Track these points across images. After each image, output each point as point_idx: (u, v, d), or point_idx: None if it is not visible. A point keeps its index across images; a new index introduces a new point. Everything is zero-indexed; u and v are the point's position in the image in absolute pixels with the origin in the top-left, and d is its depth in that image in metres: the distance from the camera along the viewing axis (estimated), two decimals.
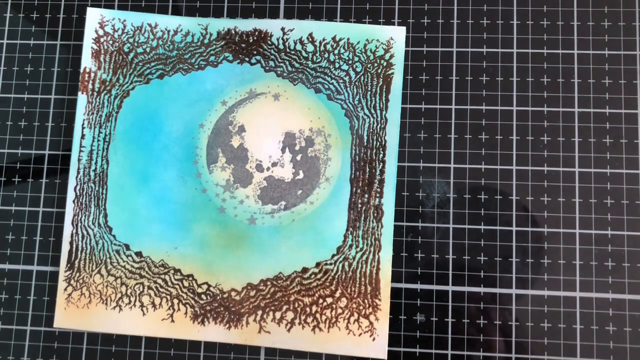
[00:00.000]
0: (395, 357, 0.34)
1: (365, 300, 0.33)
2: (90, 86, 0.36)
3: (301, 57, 0.36)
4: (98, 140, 0.36)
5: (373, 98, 0.35)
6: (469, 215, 0.34)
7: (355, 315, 0.33)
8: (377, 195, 0.34)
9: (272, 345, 0.34)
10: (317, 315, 0.34)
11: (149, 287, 0.34)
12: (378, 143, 0.35)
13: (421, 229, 0.35)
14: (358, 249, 0.34)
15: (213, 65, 0.36)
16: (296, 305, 0.34)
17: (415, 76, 0.36)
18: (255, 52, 0.36)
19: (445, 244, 0.34)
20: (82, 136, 0.36)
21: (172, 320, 0.34)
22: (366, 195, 0.34)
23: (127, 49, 0.36)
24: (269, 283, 0.34)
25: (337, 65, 0.36)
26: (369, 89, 0.35)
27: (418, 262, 0.34)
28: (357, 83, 0.35)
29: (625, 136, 0.35)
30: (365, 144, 0.35)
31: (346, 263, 0.34)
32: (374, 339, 0.33)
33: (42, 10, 0.38)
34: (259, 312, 0.34)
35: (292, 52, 0.36)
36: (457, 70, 0.36)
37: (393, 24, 0.36)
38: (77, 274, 0.35)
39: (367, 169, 0.35)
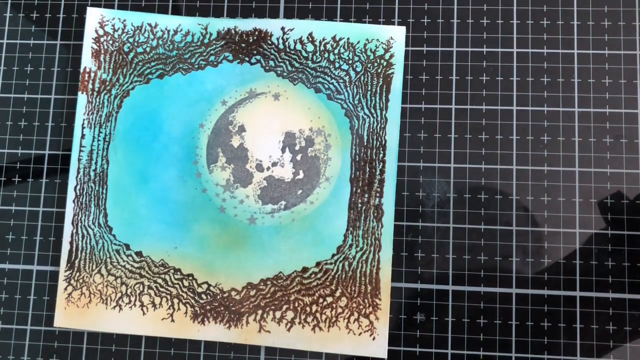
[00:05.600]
0: (395, 357, 0.34)
1: (366, 300, 0.33)
2: (90, 86, 0.36)
3: (301, 57, 0.36)
4: (98, 140, 0.36)
5: (373, 98, 0.35)
6: (469, 215, 0.34)
7: (356, 314, 0.33)
8: (377, 195, 0.34)
9: (272, 345, 0.34)
10: (317, 315, 0.34)
11: (149, 287, 0.34)
12: (378, 143, 0.35)
13: (421, 228, 0.35)
14: (358, 249, 0.34)
15: (213, 65, 0.36)
16: (296, 304, 0.34)
17: (415, 76, 0.36)
18: (255, 52, 0.36)
19: (445, 243, 0.34)
20: (82, 136, 0.36)
21: (172, 320, 0.34)
22: (366, 195, 0.34)
23: (127, 49, 0.36)
24: (269, 282, 0.34)
25: (337, 65, 0.36)
26: (369, 88, 0.35)
27: (418, 262, 0.34)
28: (357, 83, 0.35)
29: (626, 136, 0.35)
30: (366, 143, 0.35)
31: (346, 263, 0.34)
32: (374, 339, 0.33)
33: (42, 10, 0.38)
34: (259, 312, 0.34)
35: (292, 52, 0.36)
36: (457, 70, 0.36)
37: (393, 23, 0.36)
38: (77, 274, 0.35)
39: (367, 169, 0.35)
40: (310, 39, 0.36)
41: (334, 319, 0.33)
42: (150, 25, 0.37)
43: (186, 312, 0.34)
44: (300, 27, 0.36)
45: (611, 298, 0.33)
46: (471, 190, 0.35)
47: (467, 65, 0.36)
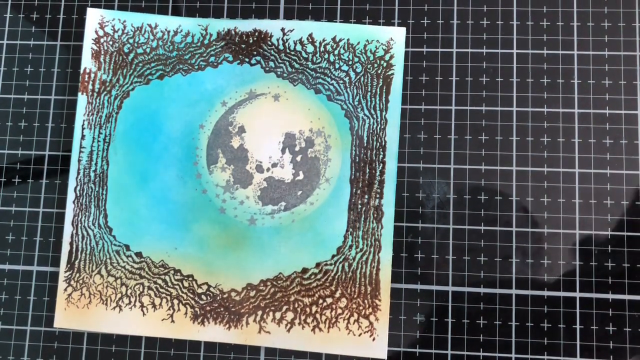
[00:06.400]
0: (395, 357, 0.34)
1: (365, 301, 0.34)
2: (90, 87, 0.36)
3: (301, 58, 0.36)
4: (98, 141, 0.36)
5: (373, 99, 0.35)
6: (469, 216, 0.34)
7: (355, 315, 0.33)
8: (377, 196, 0.34)
9: (272, 346, 0.34)
10: (317, 316, 0.34)
11: (149, 288, 0.34)
12: (378, 144, 0.35)
13: (421, 229, 0.35)
14: (358, 250, 0.34)
15: (213, 65, 0.36)
16: (296, 305, 0.34)
17: (415, 77, 0.36)
18: (255, 53, 0.36)
19: (445, 244, 0.34)
20: (82, 137, 0.36)
21: (172, 321, 0.34)
22: (366, 196, 0.34)
23: (127, 50, 0.36)
24: (269, 283, 0.34)
25: (337, 65, 0.36)
26: (369, 89, 0.35)
27: (418, 263, 0.34)
28: (357, 84, 0.35)
29: (625, 137, 0.35)
30: (365, 144, 0.35)
31: (346, 263, 0.34)
32: (374, 339, 0.33)
33: (42, 10, 0.38)
34: (259, 313, 0.34)
35: (292, 53, 0.36)
36: (457, 71, 0.36)
37: (393, 24, 0.36)
38: (77, 275, 0.35)
39: (367, 170, 0.35)
40: (310, 40, 0.36)
41: (333, 319, 0.33)
42: (150, 26, 0.37)
43: (186, 313, 0.34)
44: (300, 28, 0.36)
45: (611, 299, 0.33)
46: (471, 192, 0.35)
47: (467, 66, 0.36)
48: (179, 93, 0.36)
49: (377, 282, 0.34)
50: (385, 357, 0.33)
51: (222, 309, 0.34)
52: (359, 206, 0.34)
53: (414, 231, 0.35)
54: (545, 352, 0.33)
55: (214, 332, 0.34)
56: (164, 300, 0.34)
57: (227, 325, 0.34)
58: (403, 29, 0.36)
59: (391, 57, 0.35)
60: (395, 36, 0.36)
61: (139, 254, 0.35)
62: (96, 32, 0.37)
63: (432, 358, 0.33)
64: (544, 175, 0.35)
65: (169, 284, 0.34)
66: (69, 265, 0.35)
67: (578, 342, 0.33)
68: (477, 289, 0.34)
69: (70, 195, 0.35)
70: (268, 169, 0.35)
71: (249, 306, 0.34)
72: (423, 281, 0.34)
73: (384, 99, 0.35)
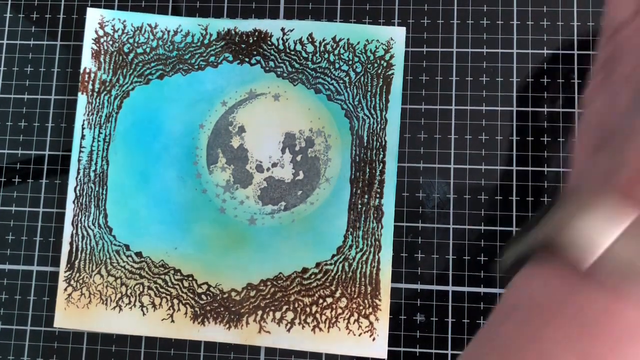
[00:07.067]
0: (395, 357, 0.34)
1: (365, 301, 0.34)
2: (90, 87, 0.36)
3: (301, 58, 0.36)
4: (98, 141, 0.36)
5: (373, 98, 0.35)
6: (469, 215, 0.34)
7: (355, 315, 0.33)
8: (377, 195, 0.34)
9: (272, 346, 0.34)
10: (317, 316, 0.34)
11: (149, 288, 0.34)
12: (378, 144, 0.35)
13: (421, 229, 0.35)
14: (358, 250, 0.34)
15: (213, 65, 0.36)
16: (296, 305, 0.34)
17: (415, 77, 0.36)
18: (255, 53, 0.36)
19: (445, 244, 0.34)
20: (82, 137, 0.36)
21: (172, 320, 0.34)
22: (366, 196, 0.34)
23: (127, 50, 0.36)
24: (269, 283, 0.34)
25: (337, 65, 0.36)
26: (369, 89, 0.35)
27: (418, 263, 0.34)
28: (357, 83, 0.35)
29: None
30: (366, 144, 0.35)
31: (346, 263, 0.34)
32: (374, 339, 0.33)
33: (42, 10, 0.38)
34: (259, 312, 0.34)
35: (292, 53, 0.36)
36: (457, 71, 0.36)
37: (393, 24, 0.36)
38: (77, 274, 0.35)
39: (367, 170, 0.35)
40: (310, 40, 0.36)
41: (333, 319, 0.33)
42: (150, 25, 0.37)
43: (186, 313, 0.34)
44: (300, 28, 0.36)
45: None
46: (471, 191, 0.35)
47: (467, 66, 0.36)
48: (179, 93, 0.36)
49: (377, 282, 0.34)
50: (385, 357, 0.33)
51: (222, 309, 0.34)
52: (359, 206, 0.34)
53: (414, 231, 0.35)
54: None
55: (214, 332, 0.34)
56: (164, 300, 0.34)
57: (227, 325, 0.34)
58: (403, 29, 0.36)
59: (391, 56, 0.35)
60: (395, 36, 0.36)
61: (139, 254, 0.35)
62: (96, 32, 0.37)
63: (432, 358, 0.33)
64: (544, 175, 0.35)
65: (169, 283, 0.34)
66: (69, 265, 0.35)
67: None
68: (477, 288, 0.34)
69: (70, 195, 0.35)
70: (268, 169, 0.35)
71: (249, 306, 0.34)
72: (423, 281, 0.34)
73: (384, 99, 0.35)
